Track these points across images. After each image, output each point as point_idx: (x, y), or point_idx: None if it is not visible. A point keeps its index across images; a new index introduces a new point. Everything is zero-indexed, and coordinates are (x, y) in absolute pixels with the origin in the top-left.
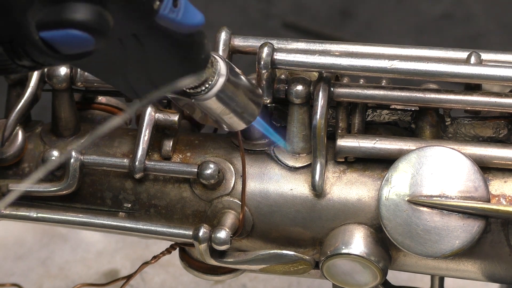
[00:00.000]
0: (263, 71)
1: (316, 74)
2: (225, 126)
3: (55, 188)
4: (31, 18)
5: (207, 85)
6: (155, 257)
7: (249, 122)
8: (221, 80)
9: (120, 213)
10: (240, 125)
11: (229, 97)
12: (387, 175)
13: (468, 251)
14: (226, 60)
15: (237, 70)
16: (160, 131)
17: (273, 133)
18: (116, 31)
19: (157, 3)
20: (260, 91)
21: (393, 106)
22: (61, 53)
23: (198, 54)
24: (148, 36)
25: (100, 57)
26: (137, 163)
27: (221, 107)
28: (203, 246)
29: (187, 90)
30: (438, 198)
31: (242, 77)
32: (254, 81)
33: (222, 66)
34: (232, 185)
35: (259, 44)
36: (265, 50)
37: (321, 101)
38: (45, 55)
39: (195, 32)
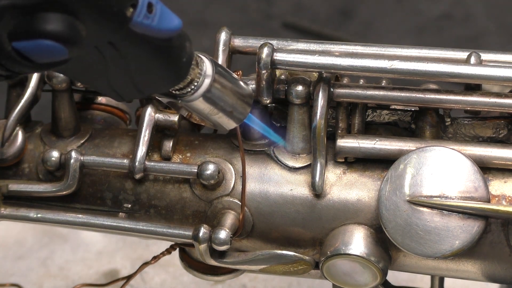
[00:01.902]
0: (263, 71)
1: (316, 74)
2: (214, 126)
3: (55, 189)
4: (2, 29)
5: (192, 86)
6: (155, 257)
7: (239, 121)
8: (207, 81)
9: (120, 213)
10: (230, 125)
11: (217, 97)
12: (387, 176)
13: (468, 252)
14: (213, 59)
15: (225, 69)
16: (160, 131)
17: (270, 132)
18: (90, 39)
19: (130, 10)
20: (250, 88)
21: (393, 106)
22: (35, 62)
23: (179, 58)
24: (125, 43)
25: (78, 63)
26: (137, 163)
27: (208, 108)
28: (203, 247)
29: (173, 92)
30: (438, 199)
31: (230, 76)
32: (253, 86)
33: (208, 67)
34: (232, 186)
35: (259, 44)
36: (265, 51)
37: (321, 102)
38: (19, 65)
39: (174, 36)
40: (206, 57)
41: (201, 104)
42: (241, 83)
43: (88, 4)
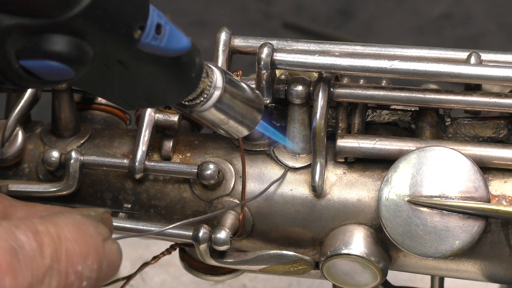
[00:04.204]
0: (263, 72)
1: (316, 74)
2: (226, 134)
3: (55, 189)
4: (11, 47)
5: (202, 98)
6: (155, 257)
7: (250, 128)
8: (217, 92)
9: (120, 213)
10: (241, 133)
11: (227, 107)
12: (387, 176)
13: (468, 252)
14: (223, 70)
15: (236, 78)
16: (160, 131)
17: (277, 134)
18: (98, 58)
19: (138, 32)
20: (261, 96)
21: (393, 106)
22: (42, 79)
23: (188, 74)
24: (134, 62)
25: (87, 77)
26: (137, 163)
27: (219, 117)
28: (203, 247)
29: (184, 102)
30: (438, 198)
31: (241, 84)
32: (253, 86)
33: (218, 77)
34: (232, 186)
35: (259, 44)
36: (265, 51)
37: (321, 102)
38: (27, 81)
39: (183, 54)
40: (216, 68)
41: (211, 115)
42: (251, 91)
43: (96, 27)
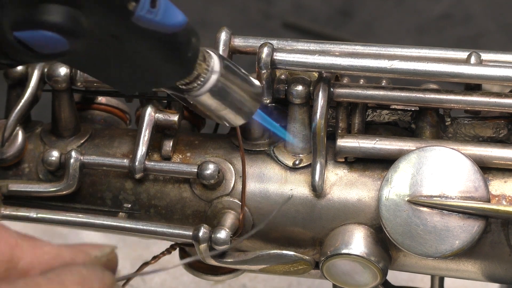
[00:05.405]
0: (263, 71)
1: (316, 74)
2: (222, 121)
3: (55, 189)
4: (5, 18)
5: (199, 82)
6: (155, 257)
7: (247, 117)
8: (214, 77)
9: (120, 213)
10: (237, 121)
11: (224, 93)
12: (387, 175)
13: (468, 251)
14: (222, 55)
15: (234, 65)
16: (160, 131)
17: (276, 126)
18: (93, 32)
19: (133, 4)
20: (260, 86)
21: (393, 106)
22: (36, 52)
23: (184, 53)
24: (129, 37)
25: (83, 55)
26: (137, 163)
27: (215, 103)
28: (203, 246)
29: (180, 86)
30: (438, 198)
31: (240, 72)
32: (254, 76)
33: (216, 62)
34: (232, 185)
35: (259, 44)
36: (265, 50)
37: (321, 101)
38: (21, 54)
39: (179, 32)
40: (214, 53)
41: (208, 100)
42: (251, 79)
43: None
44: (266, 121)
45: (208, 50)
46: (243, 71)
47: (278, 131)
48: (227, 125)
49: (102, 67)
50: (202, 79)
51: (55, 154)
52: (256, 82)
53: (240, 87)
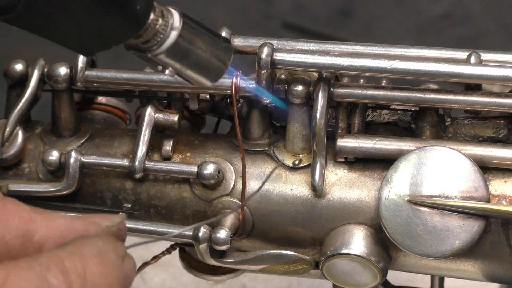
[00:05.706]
0: (263, 71)
1: (316, 74)
2: (191, 82)
3: (55, 188)
4: None
5: (158, 39)
6: (155, 257)
7: (215, 79)
8: (174, 33)
9: (120, 213)
10: (204, 82)
11: (186, 52)
12: (387, 175)
13: (468, 251)
14: (185, 13)
15: (199, 23)
16: (160, 131)
17: (262, 91)
18: None
19: None
20: (230, 45)
21: (393, 106)
22: None
23: (132, 6)
24: None
25: (31, 15)
26: (137, 163)
27: (178, 62)
28: (203, 246)
29: (140, 45)
30: (438, 198)
31: (205, 30)
32: (222, 34)
33: (176, 19)
34: (232, 185)
35: (259, 44)
36: (265, 50)
37: (321, 101)
38: None
39: None
40: (175, 10)
41: (169, 59)
42: (219, 38)
43: None
44: (245, 81)
45: (169, 8)
46: (210, 29)
47: (261, 93)
48: (197, 85)
49: (54, 28)
50: (161, 35)
51: (55, 154)
52: (226, 40)
53: (203, 45)
